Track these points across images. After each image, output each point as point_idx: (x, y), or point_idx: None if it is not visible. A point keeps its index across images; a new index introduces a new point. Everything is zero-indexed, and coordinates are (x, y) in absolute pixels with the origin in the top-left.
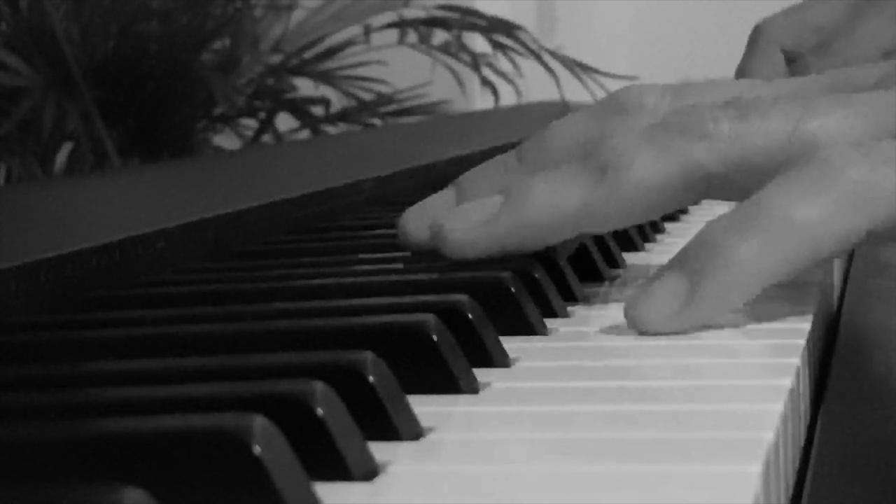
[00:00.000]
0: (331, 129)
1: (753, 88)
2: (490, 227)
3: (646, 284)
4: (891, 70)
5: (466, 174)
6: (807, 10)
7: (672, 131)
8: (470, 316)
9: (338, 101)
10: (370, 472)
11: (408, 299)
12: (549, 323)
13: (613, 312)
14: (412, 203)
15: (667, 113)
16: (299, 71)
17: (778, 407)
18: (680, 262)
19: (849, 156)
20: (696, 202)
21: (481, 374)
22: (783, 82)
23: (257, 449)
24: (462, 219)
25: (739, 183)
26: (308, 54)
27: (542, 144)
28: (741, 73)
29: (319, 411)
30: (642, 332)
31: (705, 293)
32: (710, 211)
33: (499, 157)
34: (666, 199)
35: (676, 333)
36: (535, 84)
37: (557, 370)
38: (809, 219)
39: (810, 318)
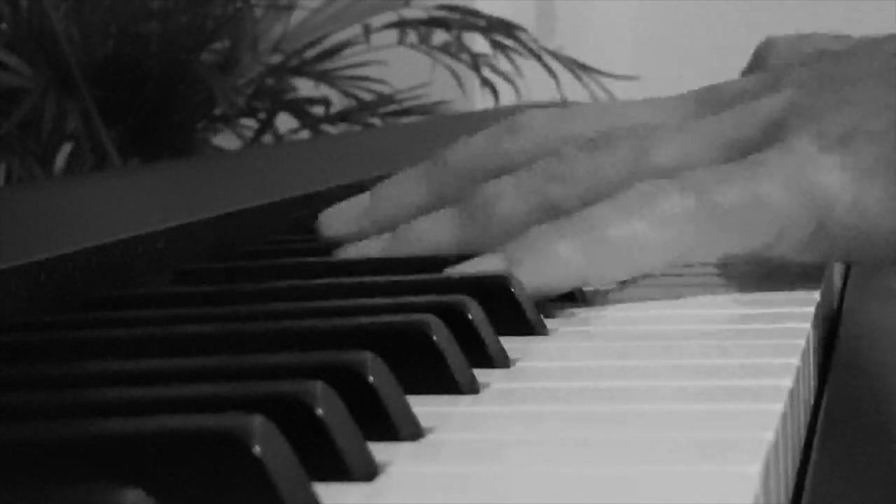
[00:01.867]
0: (331, 129)
1: (626, 115)
2: (372, 250)
3: (466, 263)
4: (748, 85)
5: (383, 183)
6: (818, 36)
7: (538, 177)
8: (470, 316)
9: (338, 101)
10: (370, 472)
11: (408, 299)
12: (549, 323)
13: (613, 312)
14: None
15: (537, 147)
16: (299, 71)
17: (778, 407)
18: (505, 247)
19: (662, 184)
20: None
21: (481, 374)
22: (659, 103)
23: (257, 449)
24: (353, 253)
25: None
26: (308, 54)
27: (445, 162)
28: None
29: (319, 411)
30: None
31: (519, 269)
32: None
33: (410, 171)
34: (528, 229)
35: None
36: (535, 84)
37: (557, 370)
38: (620, 233)
39: (810, 317)
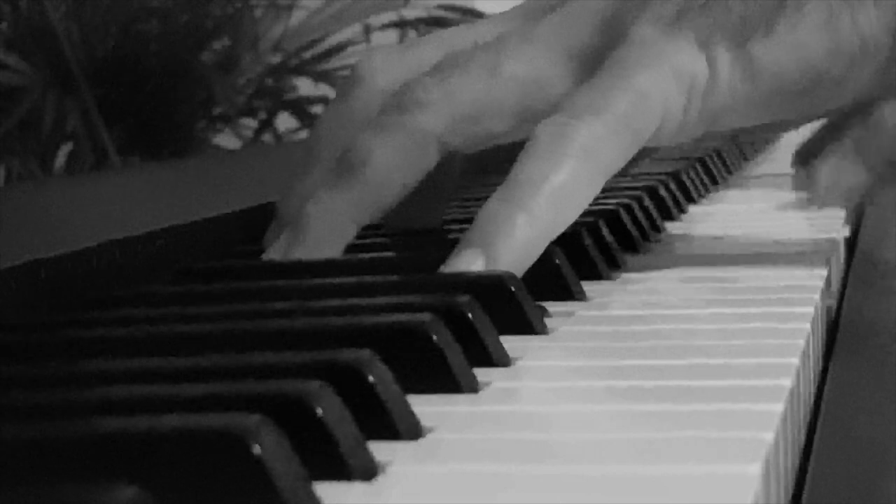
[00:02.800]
0: None
1: (460, 36)
2: (278, 253)
3: (448, 264)
4: None
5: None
6: None
7: (393, 112)
8: (470, 316)
9: None
10: (370, 472)
11: (408, 299)
12: (549, 323)
13: (613, 312)
14: None
15: (386, 97)
16: (299, 71)
17: (778, 407)
18: (471, 239)
19: (562, 120)
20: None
21: (481, 373)
22: (488, 24)
23: (257, 449)
24: (273, 255)
25: (472, 132)
26: (308, 54)
27: (309, 150)
28: None
29: (319, 411)
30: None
31: (501, 260)
32: (709, 211)
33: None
34: (412, 172)
35: None
36: None
37: (557, 370)
38: (561, 182)
39: (810, 317)
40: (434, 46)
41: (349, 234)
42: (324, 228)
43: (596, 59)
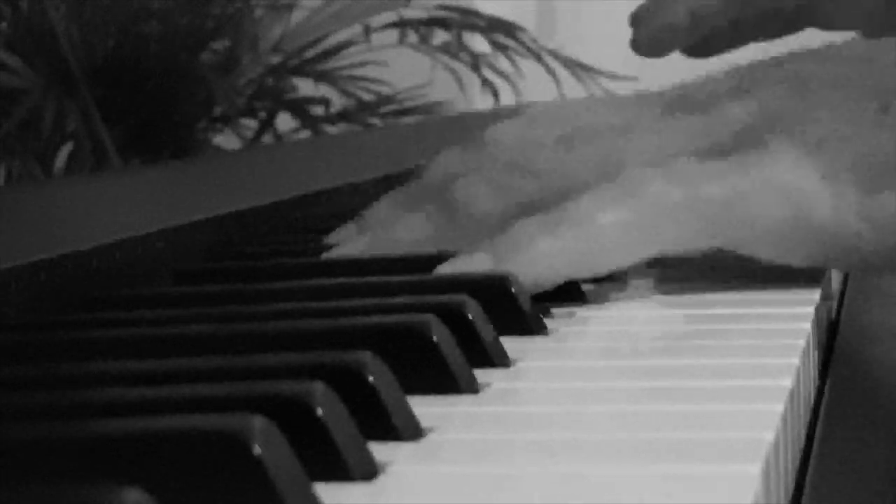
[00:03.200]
0: (331, 129)
1: (594, 115)
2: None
3: (452, 262)
4: (715, 88)
5: (368, 210)
6: None
7: (508, 172)
8: (470, 316)
9: (338, 101)
10: (370, 472)
11: (408, 299)
12: (549, 323)
13: (613, 312)
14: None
15: (508, 154)
16: (299, 71)
17: (778, 407)
18: (489, 245)
19: (647, 173)
20: None
21: (481, 374)
22: (626, 103)
23: (257, 449)
24: (336, 254)
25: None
26: (308, 54)
27: (421, 180)
28: None
29: (319, 411)
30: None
31: (507, 269)
32: None
33: (390, 194)
34: (505, 224)
35: None
36: (534, 84)
37: (557, 370)
38: (604, 224)
39: (810, 317)
40: (564, 120)
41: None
42: (407, 241)
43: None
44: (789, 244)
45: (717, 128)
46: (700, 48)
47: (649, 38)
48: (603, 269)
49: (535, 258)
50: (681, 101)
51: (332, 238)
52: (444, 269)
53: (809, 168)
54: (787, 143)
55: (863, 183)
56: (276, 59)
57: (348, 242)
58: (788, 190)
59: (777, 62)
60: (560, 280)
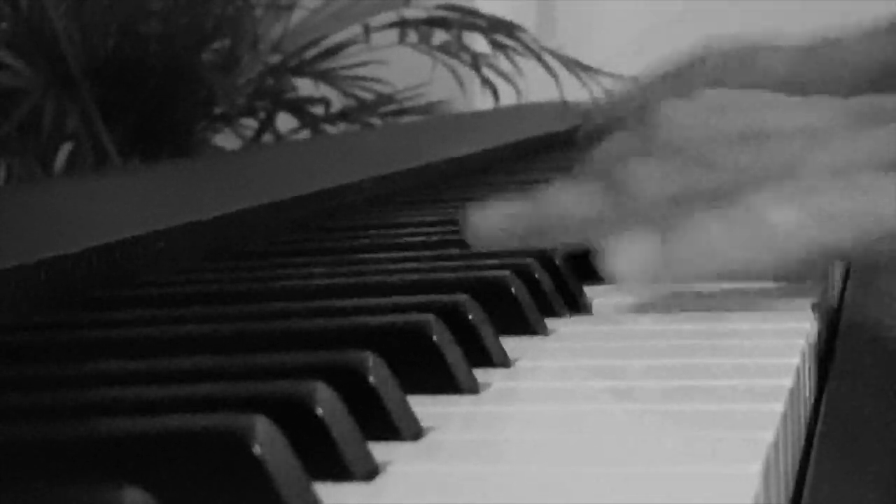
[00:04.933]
0: (331, 129)
1: (777, 113)
2: (512, 222)
3: (623, 238)
4: None
5: (536, 199)
6: (755, 46)
7: (686, 159)
8: (470, 316)
9: (338, 101)
10: (370, 472)
11: (408, 299)
12: (549, 323)
13: (613, 313)
14: (412, 203)
15: (684, 141)
16: (299, 71)
17: (778, 407)
18: (657, 230)
19: (827, 179)
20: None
21: (481, 374)
22: (814, 105)
23: (257, 449)
24: (489, 214)
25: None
26: (308, 54)
27: (592, 164)
28: None
29: (319, 411)
30: (612, 278)
31: (672, 256)
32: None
33: (557, 183)
34: (668, 213)
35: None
36: (535, 84)
37: (557, 370)
38: (779, 221)
39: (810, 317)
40: (747, 113)
41: (573, 235)
42: (567, 219)
43: None
44: None
45: None
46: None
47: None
48: (761, 266)
49: (704, 251)
50: (872, 110)
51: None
52: (608, 250)
53: None
54: None
55: None
56: (276, 59)
57: (511, 209)
58: None
59: None
60: (715, 275)
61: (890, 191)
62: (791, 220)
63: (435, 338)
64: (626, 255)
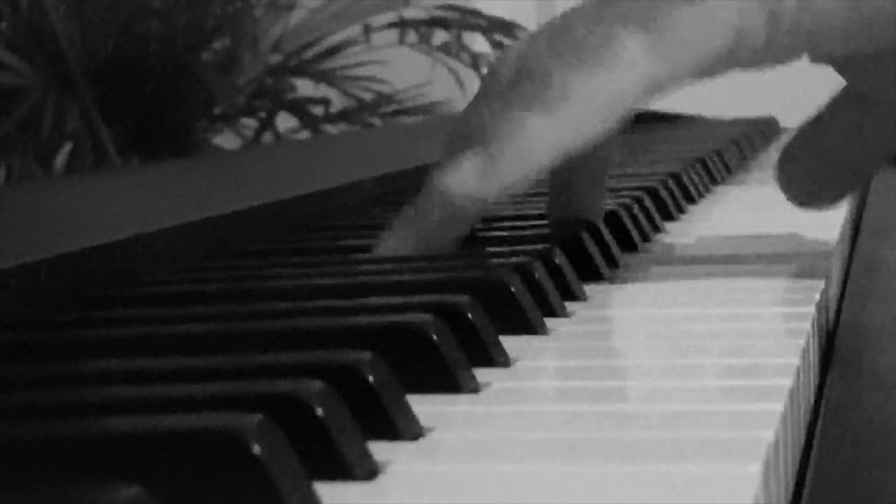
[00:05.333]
0: (331, 129)
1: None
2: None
3: (451, 161)
4: None
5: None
6: None
7: (508, 88)
8: (470, 316)
9: (338, 101)
10: (370, 472)
11: (408, 299)
12: (549, 323)
13: (613, 312)
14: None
15: (509, 75)
16: (299, 71)
17: (778, 407)
18: (478, 140)
19: (615, 29)
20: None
21: (481, 373)
22: None
23: (257, 449)
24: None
25: None
26: (308, 54)
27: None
28: None
29: (319, 411)
30: (448, 205)
31: (500, 160)
32: (709, 212)
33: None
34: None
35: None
36: None
37: (557, 370)
38: (585, 88)
39: (810, 318)
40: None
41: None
42: (463, 195)
43: None
44: (767, 44)
45: None
46: None
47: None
48: (593, 131)
49: (527, 144)
50: None
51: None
52: (442, 175)
53: None
54: None
55: None
56: (276, 59)
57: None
58: None
59: None
60: (557, 156)
61: None
62: (596, 81)
63: (435, 338)
64: (457, 173)
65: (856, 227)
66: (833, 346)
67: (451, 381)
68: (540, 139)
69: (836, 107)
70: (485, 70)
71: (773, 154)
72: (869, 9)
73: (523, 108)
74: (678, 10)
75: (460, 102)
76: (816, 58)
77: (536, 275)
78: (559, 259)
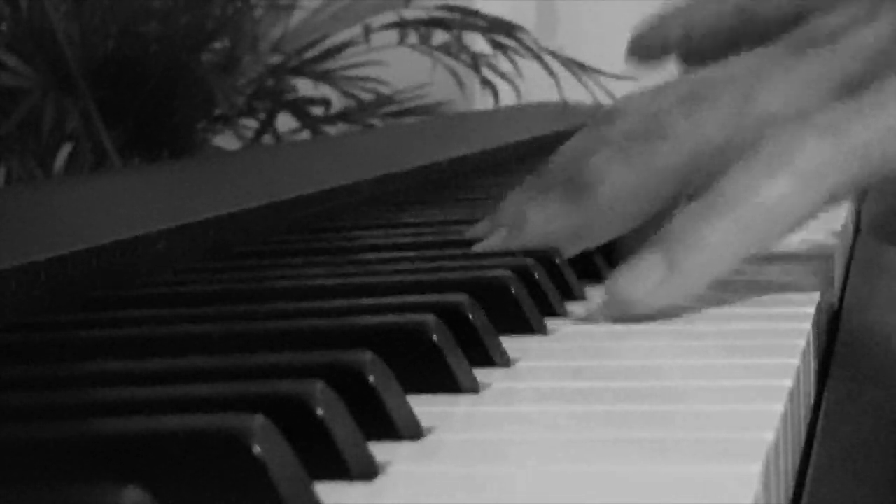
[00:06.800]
0: (331, 129)
1: (714, 69)
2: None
3: (626, 264)
4: (842, 18)
5: (499, 206)
6: None
7: (635, 140)
8: (470, 316)
9: (338, 101)
10: (370, 472)
11: (408, 299)
12: (549, 323)
13: None
14: (412, 203)
15: (632, 123)
16: (299, 71)
17: (778, 407)
18: (657, 245)
19: (797, 132)
20: (675, 199)
21: (481, 374)
22: (749, 55)
23: (257, 449)
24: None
25: (706, 171)
26: (308, 54)
27: (548, 168)
28: None
29: (319, 411)
30: (621, 310)
31: (682, 271)
32: None
33: (517, 189)
34: (644, 204)
35: (651, 315)
36: (535, 84)
37: (557, 370)
38: (771, 197)
39: (810, 318)
40: (689, 81)
41: (567, 252)
42: (539, 235)
43: (857, 88)
44: None
45: (851, 60)
46: (695, 57)
47: (644, 49)
48: (771, 244)
49: (711, 257)
50: (805, 39)
51: (469, 234)
52: (617, 279)
53: None
54: None
55: None
56: (276, 59)
57: (485, 240)
58: None
59: None
60: (738, 263)
61: (853, 115)
62: (776, 195)
63: (435, 338)
64: (634, 279)
65: (856, 227)
66: (833, 347)
67: (451, 382)
68: (723, 249)
69: None
70: (485, 70)
71: None
72: None
73: (702, 215)
74: (862, 122)
75: (460, 103)
76: None
77: (536, 275)
78: (559, 259)
